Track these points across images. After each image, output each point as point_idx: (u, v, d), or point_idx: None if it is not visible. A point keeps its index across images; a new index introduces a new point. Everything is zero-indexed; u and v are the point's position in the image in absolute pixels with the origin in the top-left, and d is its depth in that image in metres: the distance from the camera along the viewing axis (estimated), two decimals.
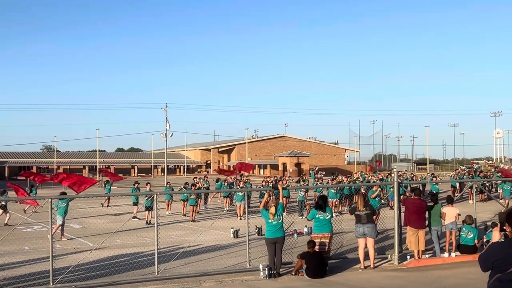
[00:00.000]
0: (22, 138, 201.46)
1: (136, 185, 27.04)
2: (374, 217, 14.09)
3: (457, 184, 34.86)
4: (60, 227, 19.30)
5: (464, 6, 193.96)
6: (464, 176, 36.81)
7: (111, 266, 13.20)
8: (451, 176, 43.65)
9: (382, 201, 24.28)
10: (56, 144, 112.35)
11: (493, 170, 48.13)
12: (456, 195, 31.89)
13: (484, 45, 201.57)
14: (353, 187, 26.84)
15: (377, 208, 18.31)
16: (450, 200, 15.39)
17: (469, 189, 32.02)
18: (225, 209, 28.62)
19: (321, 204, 13.34)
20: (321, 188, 27.66)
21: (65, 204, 19.40)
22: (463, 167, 64.15)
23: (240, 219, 24.16)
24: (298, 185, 30.93)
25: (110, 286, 11.64)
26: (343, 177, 34.64)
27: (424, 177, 43.18)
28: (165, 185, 29.18)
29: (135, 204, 25.70)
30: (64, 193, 19.12)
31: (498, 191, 33.51)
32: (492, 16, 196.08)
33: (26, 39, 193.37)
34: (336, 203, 27.06)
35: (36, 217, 23.97)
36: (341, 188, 27.16)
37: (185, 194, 26.26)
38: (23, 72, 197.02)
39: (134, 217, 24.85)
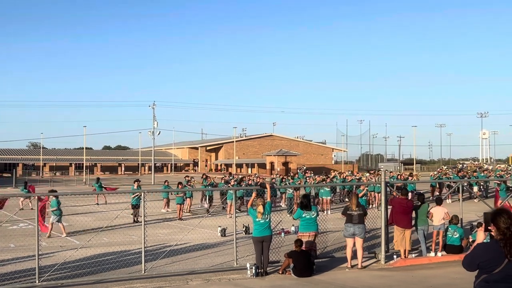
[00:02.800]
0: (8, 135, 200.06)
1: (136, 183, 27.13)
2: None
3: (437, 184, 35.32)
4: (51, 225, 19.25)
5: (451, 9, 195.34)
6: (443, 177, 37.30)
7: (97, 264, 13.13)
8: (431, 175, 44.31)
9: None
10: (43, 141, 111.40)
11: (477, 170, 48.69)
12: (436, 193, 32.38)
13: (471, 47, 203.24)
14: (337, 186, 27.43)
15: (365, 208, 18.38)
16: (438, 201, 15.48)
17: (447, 189, 33.76)
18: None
19: (306, 203, 13.40)
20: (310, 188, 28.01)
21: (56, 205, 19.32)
22: (445, 167, 65.05)
23: (230, 217, 24.17)
24: (283, 184, 31.04)
25: (97, 284, 11.57)
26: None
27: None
28: (164, 183, 29.32)
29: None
30: (54, 191, 19.03)
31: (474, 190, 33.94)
32: (478, 19, 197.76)
33: (12, 36, 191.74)
34: (328, 200, 27.72)
35: (21, 214, 23.76)
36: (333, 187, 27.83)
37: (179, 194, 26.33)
38: (9, 69, 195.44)
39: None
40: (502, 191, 27.30)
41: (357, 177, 35.30)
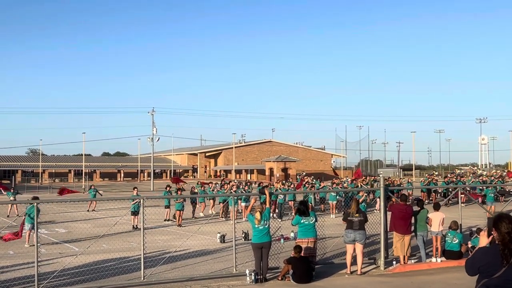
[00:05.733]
0: (7, 141, 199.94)
1: (168, 188, 27.59)
2: None
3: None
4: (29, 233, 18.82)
5: (449, 14, 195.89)
6: (430, 183, 37.94)
7: (97, 271, 13.12)
8: (421, 181, 44.98)
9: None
10: (42, 148, 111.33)
11: (471, 175, 49.11)
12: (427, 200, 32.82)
13: (470, 53, 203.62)
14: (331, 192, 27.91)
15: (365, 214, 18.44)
16: (436, 206, 15.48)
17: (433, 194, 35.68)
18: (213, 212, 29.00)
19: (303, 209, 13.39)
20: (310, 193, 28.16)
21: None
22: (436, 173, 65.67)
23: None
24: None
25: None
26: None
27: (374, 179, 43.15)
28: (199, 186, 30.57)
29: (167, 207, 26.48)
30: (36, 198, 18.74)
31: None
32: (476, 24, 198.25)
33: (11, 43, 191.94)
34: (334, 205, 28.81)
35: (20, 221, 23.70)
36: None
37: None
38: (8, 75, 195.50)
39: (167, 219, 26.04)
40: (489, 197, 27.33)
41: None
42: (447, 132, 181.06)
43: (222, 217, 27.23)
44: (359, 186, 32.58)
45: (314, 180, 41.18)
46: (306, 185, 33.70)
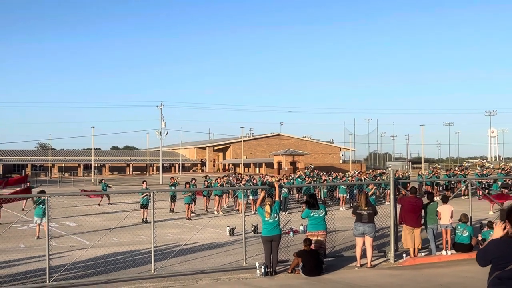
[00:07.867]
0: (17, 135, 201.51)
1: (193, 181, 27.95)
2: None
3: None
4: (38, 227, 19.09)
5: (459, 7, 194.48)
6: (432, 176, 37.98)
7: (107, 264, 13.19)
8: (425, 174, 45.11)
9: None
10: (51, 142, 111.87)
11: (479, 168, 48.94)
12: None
13: (479, 45, 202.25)
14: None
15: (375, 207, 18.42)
16: (444, 199, 15.43)
17: (436, 187, 35.83)
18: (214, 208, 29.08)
19: (313, 202, 13.37)
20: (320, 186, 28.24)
21: (40, 206, 18.17)
22: (439, 166, 65.76)
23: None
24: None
25: (107, 284, 11.62)
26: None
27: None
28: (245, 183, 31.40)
29: (190, 202, 26.34)
30: (42, 191, 18.86)
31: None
32: (486, 16, 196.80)
33: (21, 37, 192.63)
34: (344, 198, 29.24)
35: (31, 214, 23.86)
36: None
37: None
38: (18, 70, 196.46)
39: (189, 218, 25.55)
40: (494, 191, 27.23)
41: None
42: (456, 125, 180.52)
43: (236, 210, 27.31)
44: (364, 180, 32.62)
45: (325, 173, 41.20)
46: (307, 179, 33.85)
